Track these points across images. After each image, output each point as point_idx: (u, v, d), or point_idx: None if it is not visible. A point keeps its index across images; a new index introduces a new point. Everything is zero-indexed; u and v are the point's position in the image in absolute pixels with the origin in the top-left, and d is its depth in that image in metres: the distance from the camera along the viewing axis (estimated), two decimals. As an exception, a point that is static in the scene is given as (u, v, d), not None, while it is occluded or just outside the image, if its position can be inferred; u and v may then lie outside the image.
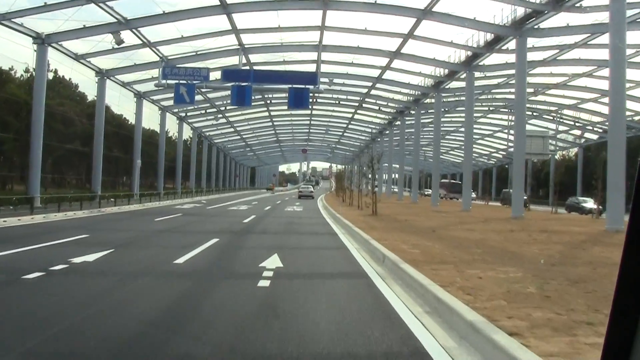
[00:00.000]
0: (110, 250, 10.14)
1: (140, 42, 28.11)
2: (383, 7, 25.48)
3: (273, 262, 9.11)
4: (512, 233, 15.27)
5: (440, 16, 25.59)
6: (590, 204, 31.22)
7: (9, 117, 31.20)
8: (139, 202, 31.21)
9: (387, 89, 41.83)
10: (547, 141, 39.61)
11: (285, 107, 43.73)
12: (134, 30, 26.21)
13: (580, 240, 13.33)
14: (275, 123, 60.71)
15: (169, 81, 28.51)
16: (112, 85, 34.58)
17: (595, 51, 29.57)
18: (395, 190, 62.24)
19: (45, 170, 36.14)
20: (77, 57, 28.46)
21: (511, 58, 30.15)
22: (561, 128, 51.30)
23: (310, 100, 31.77)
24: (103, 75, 31.49)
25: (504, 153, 65.21)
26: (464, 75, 33.71)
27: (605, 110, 43.33)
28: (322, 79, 30.66)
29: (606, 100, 40.15)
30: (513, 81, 35.51)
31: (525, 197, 43.86)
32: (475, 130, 44.61)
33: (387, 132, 57.89)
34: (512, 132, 44.09)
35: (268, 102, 46.10)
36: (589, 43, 27.99)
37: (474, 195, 49.61)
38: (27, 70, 38.82)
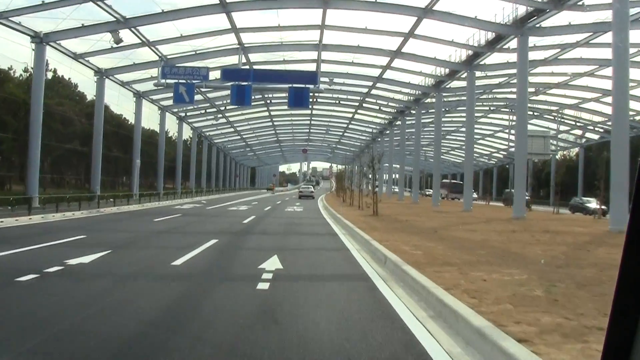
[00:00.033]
0: (107, 252, 9.97)
1: (139, 41, 27.95)
2: (383, 6, 25.32)
3: (272, 263, 8.94)
4: (514, 234, 15.10)
5: (441, 15, 25.41)
6: (594, 204, 30.98)
7: (7, 117, 31.02)
8: (138, 202, 31.04)
9: (388, 89, 41.65)
10: (548, 141, 39.36)
11: (286, 107, 43.55)
12: (132, 29, 26.05)
13: (583, 241, 13.16)
14: (275, 123, 60.53)
15: (168, 80, 28.35)
16: (112, 85, 34.49)
17: (597, 50, 29.40)
18: (396, 190, 62.06)
19: (44, 170, 35.99)
20: (76, 57, 28.30)
21: (512, 57, 29.97)
22: (562, 128, 51.08)
23: (311, 100, 31.62)
24: (102, 74, 31.32)
25: (505, 153, 65.03)
26: (464, 75, 33.54)
27: (606, 110, 43.15)
28: (322, 79, 30.50)
29: (608, 99, 40.01)
30: (514, 81, 35.39)
31: (527, 198, 43.90)
32: (476, 130, 44.47)
33: (388, 132, 57.72)
34: (512, 132, 43.92)
35: (268, 101, 45.94)
36: (590, 42, 27.82)
37: (475, 195, 49.41)
38: (26, 70, 38.65)
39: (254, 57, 32.71)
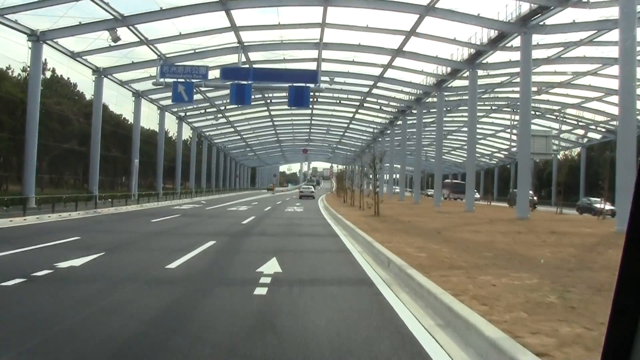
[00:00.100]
0: (100, 254, 9.64)
1: (138, 40, 27.63)
2: (385, 3, 25.00)
3: (271, 266, 8.60)
4: (519, 235, 14.75)
5: (444, 13, 25.07)
6: (602, 204, 30.34)
7: (3, 116, 30.70)
8: (136, 202, 30.69)
9: (389, 88, 41.31)
10: (550, 141, 38.92)
11: (286, 107, 43.22)
12: (130, 27, 25.72)
13: (592, 242, 12.80)
14: (275, 123, 60.21)
15: (167, 80, 28.03)
16: (111, 85, 34.20)
17: (601, 48, 29.05)
18: (397, 190, 61.71)
19: (41, 170, 35.66)
20: (74, 55, 27.97)
21: (515, 56, 29.66)
22: (564, 127, 50.72)
23: (311, 99, 31.27)
24: (100, 73, 31.00)
25: (506, 153, 64.76)
26: (466, 74, 33.20)
27: (609, 109, 42.90)
28: (322, 78, 30.15)
29: (611, 99, 39.80)
30: (516, 80, 35.13)
31: (534, 198, 43.54)
32: (477, 130, 44.04)
33: (389, 131, 57.37)
34: (514, 131, 43.62)
35: (268, 101, 45.61)
36: (594, 40, 27.47)
37: (477, 195, 49.03)
38: (24, 70, 38.32)
39: (253, 56, 32.38)
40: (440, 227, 16.75)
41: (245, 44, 29.77)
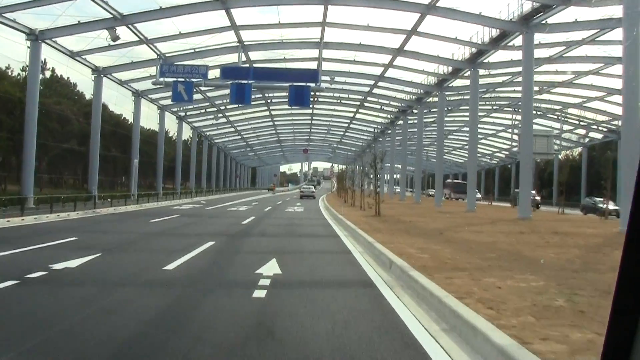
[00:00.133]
0: (97, 255, 9.46)
1: (137, 39, 27.45)
2: (386, 2, 24.83)
3: (271, 268, 8.42)
4: (522, 235, 14.57)
5: (445, 11, 24.86)
6: (610, 205, 29.93)
7: (2, 116, 30.54)
8: (136, 202, 30.51)
9: (390, 87, 41.11)
10: (551, 140, 38.74)
11: (286, 106, 43.02)
12: (129, 26, 25.53)
13: (596, 243, 12.61)
14: (276, 122, 60.04)
15: (167, 79, 27.82)
16: (111, 84, 34.04)
17: (604, 48, 28.85)
18: (398, 190, 61.52)
19: (41, 170, 35.52)
20: (73, 55, 27.79)
21: (517, 55, 29.45)
22: (565, 127, 50.53)
23: (312, 99, 31.07)
24: (99, 73, 30.82)
25: (507, 153, 64.57)
26: (468, 73, 33.01)
27: (611, 109, 42.71)
28: (323, 77, 29.94)
29: (612, 98, 39.62)
30: (518, 79, 34.92)
31: (537, 198, 43.32)
32: (478, 130, 43.83)
33: (389, 131, 57.16)
34: (516, 131, 43.42)
35: (269, 101, 45.41)
36: (597, 39, 27.26)
37: (479, 195, 48.80)
38: (24, 70, 38.16)
39: (254, 55, 32.21)
40: (442, 228, 16.57)
41: (245, 43, 29.59)
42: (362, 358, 4.09)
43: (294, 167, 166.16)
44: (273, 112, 52.74)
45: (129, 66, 31.54)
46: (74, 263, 8.42)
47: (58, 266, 8.07)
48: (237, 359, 4.00)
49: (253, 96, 34.99)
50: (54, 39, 25.45)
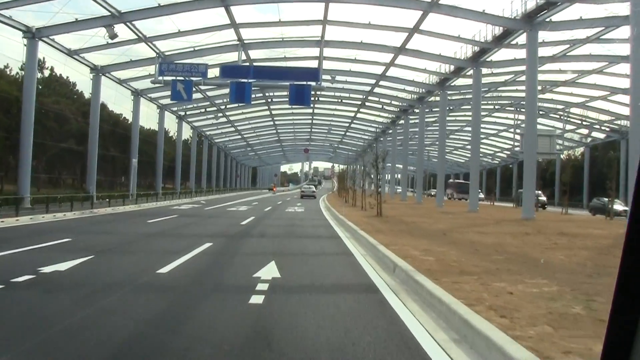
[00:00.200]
0: (89, 257, 9.11)
1: (136, 37, 27.10)
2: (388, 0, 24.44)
3: (269, 271, 8.06)
4: (528, 236, 14.22)
5: (447, 9, 24.51)
6: (617, 205, 29.45)
7: (-2, 114, 30.22)
8: (135, 202, 30.15)
9: (391, 87, 40.73)
10: (554, 140, 38.46)
11: (287, 106, 42.71)
12: (128, 23, 25.19)
13: (605, 244, 12.24)
14: (276, 122, 59.70)
15: (166, 78, 27.49)
16: (111, 84, 33.72)
17: (608, 46, 28.52)
18: (399, 190, 61.17)
19: (38, 170, 35.19)
20: (70, 53, 27.45)
21: (520, 54, 29.13)
22: (568, 127, 50.15)
23: (312, 98, 30.72)
24: (98, 71, 30.47)
25: (509, 153, 64.17)
26: (470, 72, 32.67)
27: (614, 108, 42.36)
28: (324, 76, 29.56)
29: (616, 98, 39.25)
30: (520, 78, 34.58)
31: (543, 198, 42.93)
32: (480, 130, 43.47)
33: (391, 131, 56.79)
34: (518, 131, 43.04)
35: (269, 100, 45.05)
36: (601, 37, 26.89)
37: (481, 195, 48.41)
38: (22, 68, 37.85)
39: (254, 54, 31.88)
40: (445, 229, 16.22)
41: (245, 41, 29.23)
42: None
43: (295, 167, 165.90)
44: (273, 112, 52.41)
45: (127, 65, 31.21)
46: (64, 266, 8.08)
47: (47, 269, 7.73)
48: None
49: (253, 95, 34.66)
50: (51, 37, 25.12)
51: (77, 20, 24.46)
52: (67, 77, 46.67)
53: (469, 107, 42.41)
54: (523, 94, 36.39)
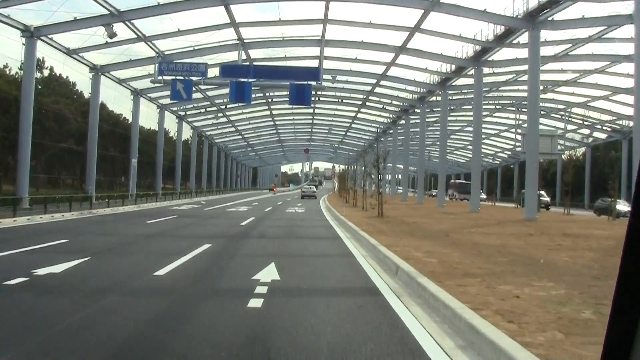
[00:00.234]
0: (85, 259, 8.93)
1: (135, 36, 26.92)
2: (389, -2, 24.28)
3: (269, 273, 7.88)
4: (532, 237, 14.02)
5: (449, 8, 24.31)
6: (623, 205, 29.10)
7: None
8: (134, 203, 29.95)
9: (392, 87, 40.52)
10: (555, 140, 38.19)
11: (287, 106, 42.51)
12: (127, 22, 24.99)
13: (610, 246, 12.04)
14: (277, 122, 59.51)
15: (166, 77, 27.32)
16: (111, 84, 33.56)
17: (610, 45, 28.32)
18: (400, 190, 60.98)
19: (37, 170, 35.05)
20: (69, 52, 27.26)
21: (521, 53, 28.95)
22: (569, 127, 49.91)
23: (313, 97, 30.53)
24: (97, 71, 30.27)
25: (510, 153, 63.97)
26: (471, 72, 32.49)
27: (616, 108, 42.15)
28: (324, 76, 29.37)
29: (618, 97, 39.05)
30: (522, 78, 34.40)
31: (547, 199, 42.67)
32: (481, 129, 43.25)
33: (391, 131, 56.58)
34: (519, 131, 42.83)
35: (269, 100, 44.85)
36: (603, 37, 26.69)
37: (483, 196, 48.15)
38: (22, 68, 37.69)
39: (254, 53, 31.69)
40: (447, 229, 16.02)
41: (245, 41, 29.03)
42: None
43: (295, 167, 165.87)
44: (274, 112, 52.23)
45: (127, 64, 31.03)
46: (59, 268, 7.90)
47: (41, 271, 7.55)
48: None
49: (253, 95, 34.48)
50: (49, 36, 24.93)
51: (75, 19, 24.28)
52: (67, 76, 46.61)
53: (470, 107, 42.23)
54: (524, 94, 36.23)
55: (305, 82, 27.25)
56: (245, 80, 27.30)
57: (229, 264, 9.38)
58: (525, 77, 30.62)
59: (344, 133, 66.92)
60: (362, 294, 6.75)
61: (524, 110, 42.75)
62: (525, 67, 28.61)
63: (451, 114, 45.82)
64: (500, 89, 39.65)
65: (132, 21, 25.41)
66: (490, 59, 30.51)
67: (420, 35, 27.66)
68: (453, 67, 33.77)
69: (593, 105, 42.82)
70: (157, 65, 27.64)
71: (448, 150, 62.66)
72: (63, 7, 23.09)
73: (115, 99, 42.15)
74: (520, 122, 45.39)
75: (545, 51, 27.84)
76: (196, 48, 29.63)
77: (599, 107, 43.32)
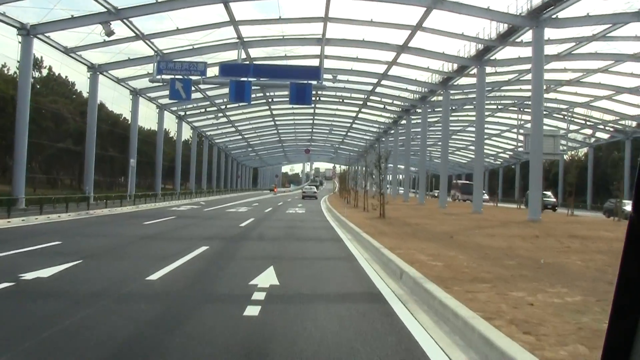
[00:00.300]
0: (76, 262, 8.57)
1: (133, 35, 26.57)
2: (391, -5, 23.90)
3: (267, 278, 7.52)
4: (538, 239, 13.66)
5: (451, 5, 23.96)
6: (630, 207, 28.67)
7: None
8: (132, 203, 29.58)
9: (393, 86, 40.15)
10: (558, 141, 37.88)
11: (288, 106, 42.17)
12: (125, 20, 24.65)
13: (621, 248, 11.64)
14: (277, 122, 59.15)
15: (164, 76, 26.94)
16: (110, 83, 33.20)
17: (613, 44, 27.96)
18: (401, 191, 60.62)
19: (35, 170, 34.72)
20: (67, 51, 26.91)
21: (524, 52, 28.60)
22: (571, 127, 49.53)
23: (313, 97, 30.17)
24: (95, 70, 29.90)
25: (511, 153, 63.59)
26: (473, 72, 32.13)
27: (618, 108, 41.76)
28: (325, 75, 29.01)
29: (621, 97, 38.68)
30: (524, 77, 34.04)
31: (553, 200, 42.31)
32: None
33: (392, 131, 56.21)
34: (521, 131, 42.44)
35: (270, 100, 44.50)
36: (607, 35, 26.31)
37: (486, 196, 47.71)
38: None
39: (254, 52, 31.34)
40: (451, 231, 15.65)
41: (245, 39, 28.67)
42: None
43: (296, 168, 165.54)
44: (274, 112, 51.87)
45: (125, 63, 30.67)
46: (48, 272, 7.54)
47: (29, 276, 7.19)
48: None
49: (253, 95, 34.14)
50: (46, 34, 24.58)
51: (72, 17, 23.93)
52: (66, 76, 46.35)
53: (472, 107, 41.89)
54: (527, 94, 35.87)
55: (305, 82, 26.90)
56: (245, 79, 26.94)
57: (225, 268, 9.00)
58: (528, 77, 30.31)
59: (344, 133, 66.55)
60: (366, 301, 6.39)
61: (526, 110, 42.40)
62: (527, 66, 28.28)
63: (453, 114, 45.45)
64: (502, 88, 39.25)
65: (131, 19, 25.07)
66: (492, 58, 30.14)
67: (422, 34, 27.31)
68: (455, 66, 33.42)
69: (596, 105, 42.43)
70: (155, 64, 27.27)
71: (449, 151, 62.37)
72: (60, 4, 22.78)
73: (114, 99, 41.89)
74: (522, 122, 45.00)
75: (548, 50, 27.47)
76: (195, 47, 29.28)
77: (602, 107, 42.94)
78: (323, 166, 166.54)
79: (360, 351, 4.25)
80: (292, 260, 10.12)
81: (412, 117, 47.82)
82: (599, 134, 53.61)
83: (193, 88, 28.10)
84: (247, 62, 30.02)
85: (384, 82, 37.88)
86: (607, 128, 50.04)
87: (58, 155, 39.78)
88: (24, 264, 8.26)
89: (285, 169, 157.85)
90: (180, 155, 49.82)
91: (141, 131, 42.51)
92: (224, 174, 74.54)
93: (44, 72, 42.07)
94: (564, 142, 48.78)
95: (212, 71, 29.42)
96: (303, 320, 5.25)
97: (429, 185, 69.91)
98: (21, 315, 5.28)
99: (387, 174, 60.38)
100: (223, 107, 45.59)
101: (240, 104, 39.03)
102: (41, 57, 39.05)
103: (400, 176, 66.63)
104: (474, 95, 36.15)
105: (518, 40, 27.17)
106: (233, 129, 60.27)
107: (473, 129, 45.46)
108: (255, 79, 27.87)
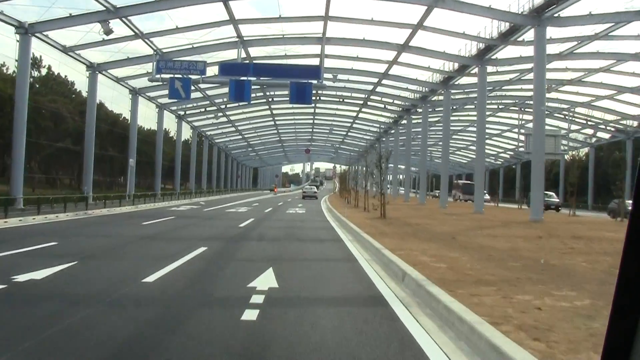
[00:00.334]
0: (72, 264, 8.40)
1: (132, 34, 26.39)
2: (392, -6, 23.71)
3: (266, 280, 7.34)
4: (541, 240, 13.48)
5: (453, 4, 23.76)
6: None
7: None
8: (132, 203, 29.39)
9: (394, 86, 39.95)
10: (559, 140, 37.75)
11: (288, 105, 42.00)
12: (124, 19, 24.46)
13: (626, 249, 11.50)
14: (277, 122, 58.96)
15: (164, 76, 26.78)
16: (109, 83, 33.01)
17: (615, 44, 27.83)
18: (402, 191, 60.45)
19: (34, 170, 34.53)
20: (66, 50, 26.72)
21: (525, 51, 28.42)
22: (572, 127, 49.32)
23: (313, 97, 29.99)
24: (94, 69, 29.71)
25: (512, 153, 63.37)
26: (474, 71, 31.93)
27: (620, 107, 41.57)
28: (325, 74, 28.83)
29: (623, 97, 38.49)
30: (526, 77, 33.84)
31: (557, 200, 42.10)
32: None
33: (393, 131, 56.03)
34: (522, 131, 42.24)
35: (270, 99, 44.32)
36: (610, 34, 26.12)
37: (487, 197, 47.52)
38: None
39: (254, 51, 31.13)
40: (452, 231, 15.47)
41: (244, 38, 28.49)
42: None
43: (296, 168, 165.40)
44: (274, 111, 51.68)
45: (124, 62, 30.48)
46: (42, 273, 7.37)
47: (22, 277, 7.02)
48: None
49: (253, 94, 33.97)
50: (44, 33, 24.38)
51: (71, 15, 23.75)
52: (65, 75, 46.14)
53: (472, 106, 41.72)
54: (527, 94, 35.73)
55: (305, 81, 26.76)
56: (244, 78, 26.78)
57: (224, 270, 8.81)
58: (529, 76, 30.13)
59: (345, 133, 66.37)
60: (367, 304, 6.20)
61: (527, 110, 42.22)
62: (529, 65, 28.11)
63: (453, 113, 45.25)
64: (503, 88, 39.06)
65: (130, 18, 24.89)
66: (494, 57, 29.95)
67: (423, 33, 27.12)
68: (456, 65, 33.24)
69: (597, 104, 42.24)
70: (155, 63, 27.10)
71: (450, 151, 62.17)
72: (59, 3, 22.68)
73: (114, 98, 41.72)
74: (523, 122, 44.80)
75: (549, 49, 27.28)
76: (195, 46, 29.10)
77: (603, 107, 42.75)
78: (323, 166, 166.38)
79: (363, 357, 4.07)
80: (292, 261, 9.94)
81: (413, 116, 47.63)
82: (600, 134, 53.42)
83: (193, 87, 27.91)
84: (247, 62, 29.83)
85: (384, 81, 37.69)
86: (608, 128, 49.84)
87: (57, 154, 39.60)
88: (18, 265, 8.09)
89: (286, 169, 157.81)
90: (179, 155, 49.64)
91: (140, 131, 42.34)
92: (224, 174, 74.37)
93: (43, 71, 41.93)
94: (565, 142, 48.60)
95: (212, 70, 29.25)
96: (303, 325, 5.07)
97: (429, 185, 69.72)
98: (8, 320, 5.08)
99: (388, 174, 60.35)
100: (223, 106, 45.40)
101: (240, 103, 38.90)
102: (40, 56, 38.89)
103: (401, 176, 66.47)
104: (474, 95, 35.95)
105: (519, 39, 26.97)
106: (233, 129, 60.08)
107: (474, 128, 45.30)
108: (255, 78, 27.72)
